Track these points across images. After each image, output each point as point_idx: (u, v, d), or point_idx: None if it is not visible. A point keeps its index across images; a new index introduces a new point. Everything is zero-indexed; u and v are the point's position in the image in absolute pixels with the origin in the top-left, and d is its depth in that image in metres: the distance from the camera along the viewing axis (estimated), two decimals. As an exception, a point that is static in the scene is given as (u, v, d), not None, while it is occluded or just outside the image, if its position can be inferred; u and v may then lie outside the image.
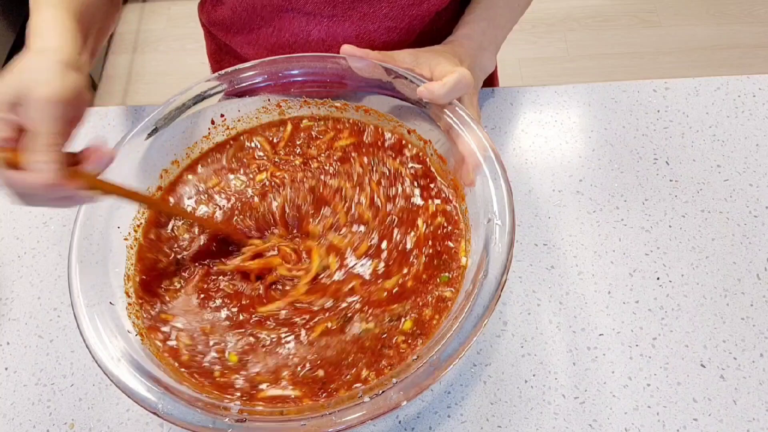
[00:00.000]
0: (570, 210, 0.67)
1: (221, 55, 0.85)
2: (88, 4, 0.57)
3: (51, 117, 0.44)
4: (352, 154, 0.63)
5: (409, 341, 0.52)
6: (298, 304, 0.55)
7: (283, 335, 0.54)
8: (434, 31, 0.74)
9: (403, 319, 0.53)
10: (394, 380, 0.46)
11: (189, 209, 0.62)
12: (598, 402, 0.56)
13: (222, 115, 0.64)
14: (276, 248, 0.58)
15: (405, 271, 0.56)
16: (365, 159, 0.63)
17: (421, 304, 0.54)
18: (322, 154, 0.63)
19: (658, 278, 0.62)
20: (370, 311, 0.54)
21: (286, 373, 0.52)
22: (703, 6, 2.05)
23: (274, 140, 0.66)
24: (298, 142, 0.65)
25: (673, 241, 0.64)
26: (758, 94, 0.75)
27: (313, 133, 0.66)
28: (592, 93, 0.75)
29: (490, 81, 0.93)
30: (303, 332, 0.54)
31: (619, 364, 0.58)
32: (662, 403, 0.56)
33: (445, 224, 0.58)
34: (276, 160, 0.64)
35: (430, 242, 0.57)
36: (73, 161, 0.47)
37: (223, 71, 0.63)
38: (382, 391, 0.46)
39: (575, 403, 0.56)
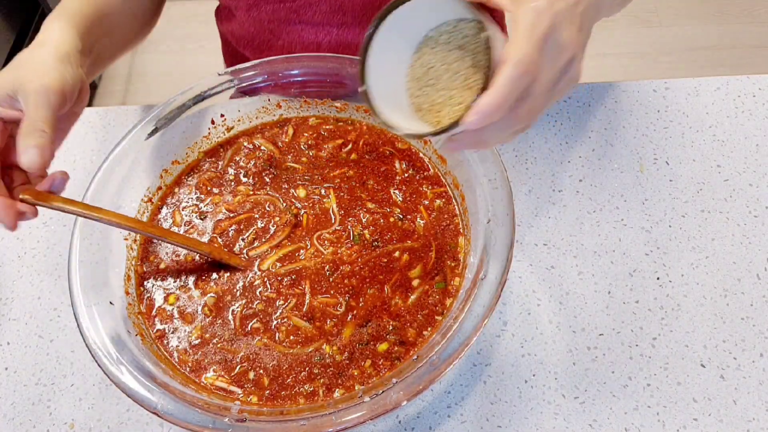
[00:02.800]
0: (570, 210, 0.67)
1: (236, 61, 0.85)
2: (102, 16, 0.59)
3: (42, 104, 0.46)
4: (361, 161, 0.63)
5: (381, 362, 0.52)
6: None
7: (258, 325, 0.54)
8: None
9: (376, 343, 0.53)
10: (394, 380, 0.46)
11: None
12: (598, 402, 0.56)
13: (222, 115, 0.64)
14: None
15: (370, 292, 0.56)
16: (373, 169, 0.63)
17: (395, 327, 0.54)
18: (328, 166, 0.64)
19: (658, 278, 0.62)
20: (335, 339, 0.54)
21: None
22: (703, 6, 2.05)
23: (279, 143, 0.66)
24: (306, 143, 0.65)
25: (673, 241, 0.64)
26: (758, 94, 0.75)
27: (322, 132, 0.66)
28: (592, 93, 0.75)
29: None
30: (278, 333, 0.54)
31: (619, 364, 0.58)
32: (662, 403, 0.56)
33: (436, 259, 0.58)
34: (280, 160, 0.64)
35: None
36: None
37: (222, 71, 0.63)
38: (382, 391, 0.46)
39: (575, 403, 0.56)
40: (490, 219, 0.52)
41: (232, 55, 0.85)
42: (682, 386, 0.56)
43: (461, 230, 0.58)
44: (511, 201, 0.52)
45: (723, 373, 0.57)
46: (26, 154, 0.45)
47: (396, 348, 0.53)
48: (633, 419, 0.55)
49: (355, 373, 0.52)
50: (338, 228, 0.59)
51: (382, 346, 0.53)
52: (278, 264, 0.57)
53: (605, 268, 0.63)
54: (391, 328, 0.54)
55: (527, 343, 0.59)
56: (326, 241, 0.58)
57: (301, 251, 0.58)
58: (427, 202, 0.60)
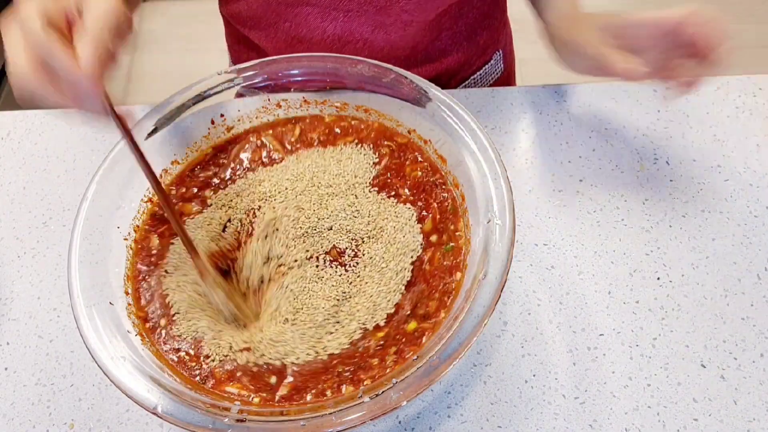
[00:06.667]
0: (570, 210, 0.67)
1: (240, 46, 0.85)
2: None
3: (104, 21, 0.49)
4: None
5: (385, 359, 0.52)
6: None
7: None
8: (454, 24, 0.74)
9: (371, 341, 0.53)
10: (394, 380, 0.46)
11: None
12: (599, 402, 0.56)
13: (222, 115, 0.64)
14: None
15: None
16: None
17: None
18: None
19: (658, 278, 0.62)
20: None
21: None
22: (702, 6, 2.05)
23: (284, 141, 0.65)
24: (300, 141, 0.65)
25: (673, 241, 0.64)
26: (758, 94, 0.75)
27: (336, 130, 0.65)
28: (592, 93, 0.75)
29: (507, 80, 0.93)
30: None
31: (619, 364, 0.58)
32: (662, 404, 0.56)
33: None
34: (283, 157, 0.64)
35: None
36: None
37: (222, 71, 0.63)
38: (382, 391, 0.46)
39: (575, 403, 0.56)
40: (490, 219, 0.52)
41: (236, 39, 0.85)
42: (682, 386, 0.56)
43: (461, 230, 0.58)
44: (512, 201, 0.52)
45: (723, 373, 0.57)
46: (82, 57, 0.48)
47: (422, 325, 0.52)
48: (633, 419, 0.55)
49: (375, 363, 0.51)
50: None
51: (411, 325, 0.52)
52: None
53: (605, 268, 0.63)
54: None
55: (527, 343, 0.59)
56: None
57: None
58: (436, 205, 0.60)
